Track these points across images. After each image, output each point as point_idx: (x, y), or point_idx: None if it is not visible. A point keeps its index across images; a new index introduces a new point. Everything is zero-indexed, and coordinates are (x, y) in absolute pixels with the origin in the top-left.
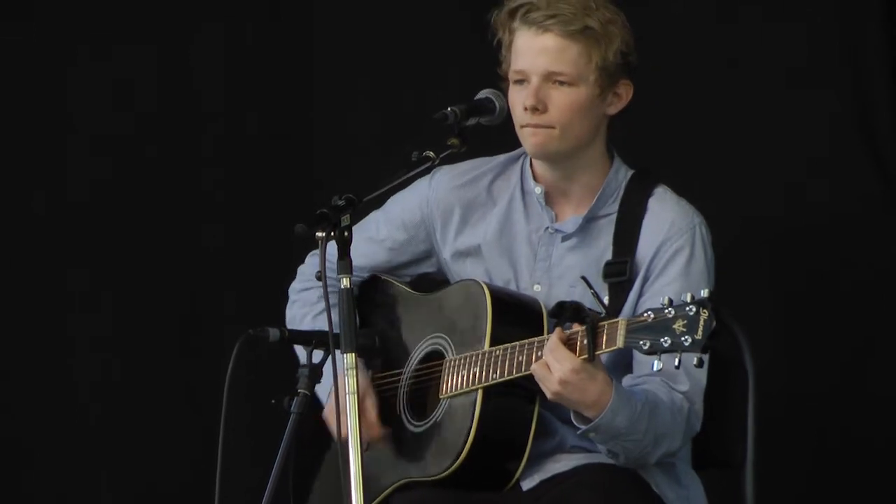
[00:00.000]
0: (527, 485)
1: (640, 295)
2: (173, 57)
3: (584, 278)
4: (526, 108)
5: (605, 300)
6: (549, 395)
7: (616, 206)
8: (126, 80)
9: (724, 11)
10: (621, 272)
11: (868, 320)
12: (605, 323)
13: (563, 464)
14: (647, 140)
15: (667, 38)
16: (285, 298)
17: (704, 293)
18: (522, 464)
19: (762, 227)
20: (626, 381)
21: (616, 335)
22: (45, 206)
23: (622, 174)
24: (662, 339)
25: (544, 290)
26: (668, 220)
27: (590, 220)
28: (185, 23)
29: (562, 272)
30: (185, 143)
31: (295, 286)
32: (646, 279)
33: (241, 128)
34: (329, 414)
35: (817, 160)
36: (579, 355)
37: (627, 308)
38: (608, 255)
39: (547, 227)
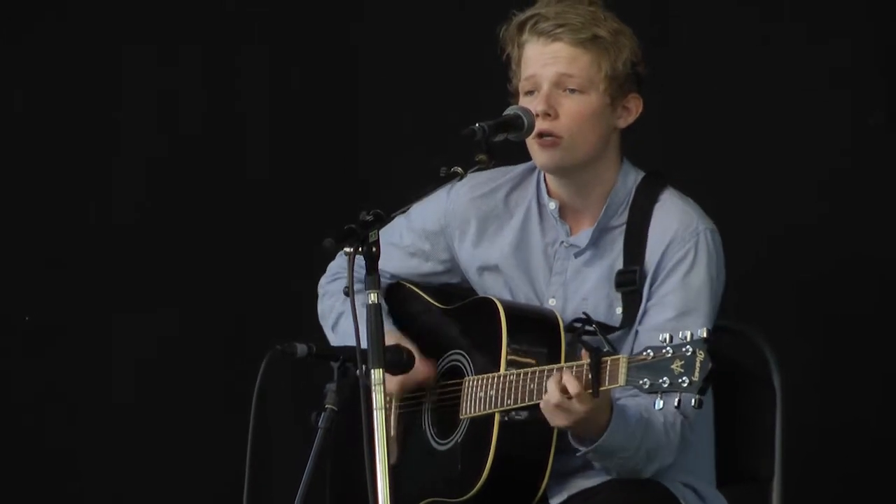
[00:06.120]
0: (555, 501)
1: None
2: (219, 67)
3: (585, 314)
4: (537, 115)
5: (619, 311)
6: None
7: (626, 216)
8: (172, 92)
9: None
10: (631, 281)
11: None
12: (608, 359)
13: (591, 480)
14: (678, 147)
15: (696, 42)
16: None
17: (702, 332)
18: (545, 480)
19: (791, 235)
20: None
21: (618, 373)
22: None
23: (631, 180)
24: (661, 380)
25: (559, 304)
26: (671, 229)
27: (602, 232)
28: (231, 33)
29: (577, 286)
30: (230, 154)
31: (322, 281)
32: (651, 286)
33: (287, 132)
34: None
35: (846, 167)
36: (585, 389)
37: (641, 317)
38: (620, 265)
39: (562, 241)
